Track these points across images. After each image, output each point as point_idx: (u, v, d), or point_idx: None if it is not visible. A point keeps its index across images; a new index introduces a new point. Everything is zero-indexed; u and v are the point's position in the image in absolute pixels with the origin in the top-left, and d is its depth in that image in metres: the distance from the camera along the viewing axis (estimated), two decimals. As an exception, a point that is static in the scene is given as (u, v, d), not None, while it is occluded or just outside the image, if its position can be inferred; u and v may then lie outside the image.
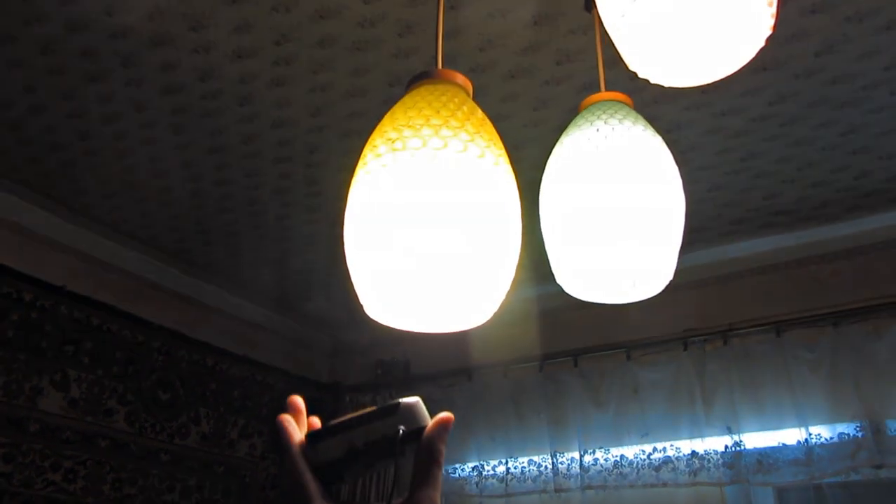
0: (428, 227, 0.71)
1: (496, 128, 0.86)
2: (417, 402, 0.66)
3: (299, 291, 2.90)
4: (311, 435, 0.65)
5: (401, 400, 0.65)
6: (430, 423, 0.65)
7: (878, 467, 2.04)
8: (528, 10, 1.55)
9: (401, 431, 0.63)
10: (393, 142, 0.75)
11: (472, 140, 0.75)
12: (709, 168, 2.09)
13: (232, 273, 2.76)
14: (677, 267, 0.93)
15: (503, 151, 0.82)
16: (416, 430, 0.64)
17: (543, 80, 1.76)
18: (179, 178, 2.18)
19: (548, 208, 0.92)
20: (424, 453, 0.64)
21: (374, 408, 0.66)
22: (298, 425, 0.66)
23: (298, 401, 0.67)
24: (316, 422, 0.68)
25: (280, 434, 0.64)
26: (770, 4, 0.73)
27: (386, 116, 0.81)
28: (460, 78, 0.87)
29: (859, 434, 2.06)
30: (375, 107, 1.85)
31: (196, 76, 1.76)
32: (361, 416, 0.65)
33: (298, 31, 1.62)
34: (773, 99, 1.80)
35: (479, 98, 0.91)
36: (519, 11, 1.56)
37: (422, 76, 0.86)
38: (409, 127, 0.75)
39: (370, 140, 0.79)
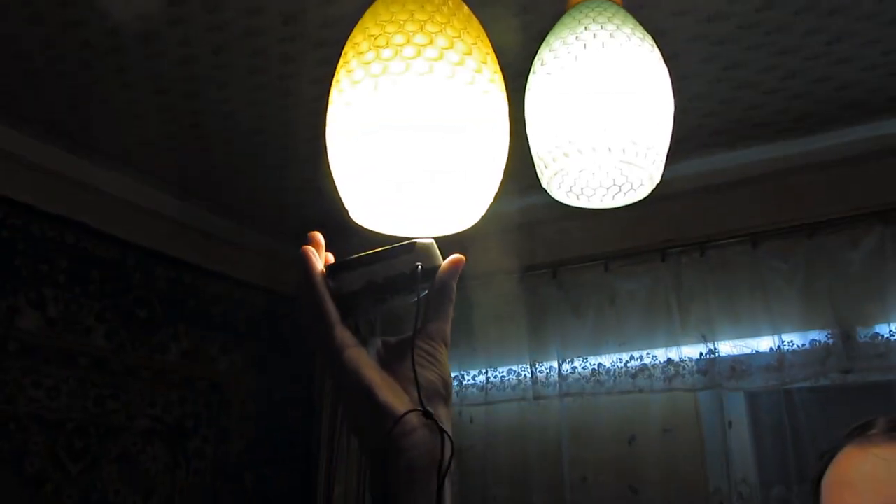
0: (412, 135, 0.69)
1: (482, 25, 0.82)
2: (432, 243, 0.67)
3: (278, 207, 2.87)
4: (331, 267, 0.66)
5: (416, 240, 0.66)
6: (443, 263, 0.67)
7: (846, 372, 2.10)
8: None
9: (419, 268, 0.65)
10: (373, 44, 0.72)
11: (452, 46, 0.72)
12: (691, 77, 2.06)
13: (207, 190, 2.71)
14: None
15: (490, 51, 0.79)
16: (432, 269, 0.66)
17: (525, -17, 1.69)
18: (148, 90, 2.10)
19: (533, 111, 0.90)
20: (438, 290, 0.67)
21: (389, 247, 0.67)
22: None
23: (318, 235, 0.67)
24: (331, 258, 0.69)
25: (303, 263, 0.65)
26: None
27: (367, 14, 0.77)
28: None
29: (830, 341, 2.11)
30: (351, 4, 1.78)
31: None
32: (378, 254, 0.66)
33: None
34: (760, 5, 1.76)
35: None
36: None
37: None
38: (389, 30, 0.72)
39: (350, 43, 0.76)
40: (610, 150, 0.84)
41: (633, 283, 2.40)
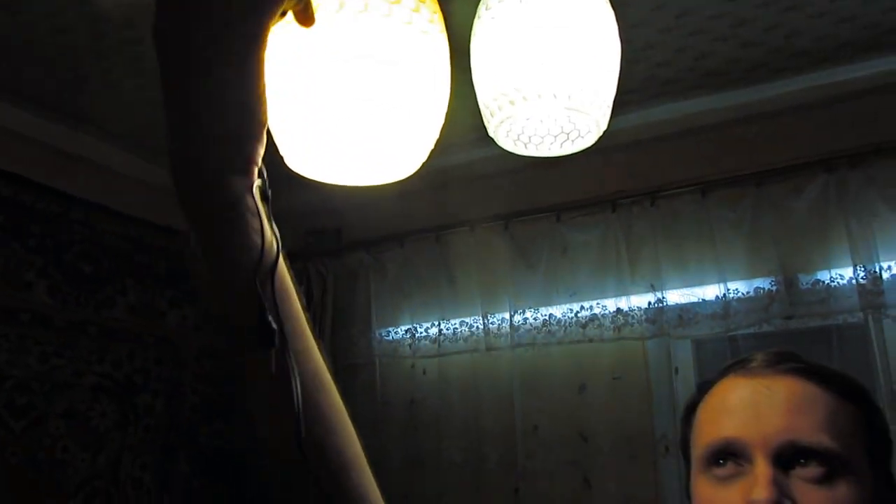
0: (352, 78, 0.66)
1: None
2: None
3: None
4: None
5: None
6: None
7: (789, 318, 2.16)
8: None
9: None
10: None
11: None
12: (641, 25, 2.04)
13: (148, 140, 2.62)
14: (607, 129, 0.91)
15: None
16: None
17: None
18: (82, 36, 2.01)
19: (479, 58, 0.88)
20: None
21: None
22: None
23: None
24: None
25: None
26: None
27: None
28: None
29: (773, 288, 2.16)
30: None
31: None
32: None
33: None
34: (709, -49, 1.75)
35: None
36: None
37: None
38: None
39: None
40: (555, 96, 0.82)
41: (585, 233, 2.41)
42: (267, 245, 0.56)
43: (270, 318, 0.55)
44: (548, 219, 2.48)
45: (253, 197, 0.55)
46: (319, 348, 0.64)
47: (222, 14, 0.48)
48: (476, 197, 2.64)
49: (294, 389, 0.57)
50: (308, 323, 0.64)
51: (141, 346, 2.61)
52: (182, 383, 2.73)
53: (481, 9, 0.91)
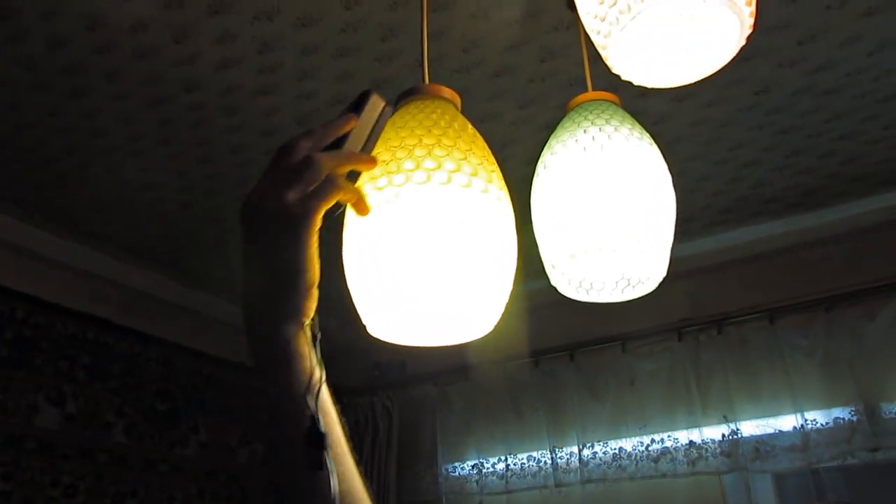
0: (426, 254, 0.71)
1: (483, 128, 0.86)
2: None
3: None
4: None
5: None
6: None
7: (874, 450, 2.05)
8: (511, 9, 1.55)
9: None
10: (387, 166, 0.75)
11: (464, 159, 0.75)
12: (696, 158, 2.10)
13: (225, 281, 2.75)
14: (670, 256, 0.94)
15: (495, 167, 0.82)
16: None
17: (528, 77, 1.76)
18: (170, 189, 2.17)
19: (540, 214, 0.93)
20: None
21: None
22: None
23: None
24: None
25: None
26: (749, 3, 0.73)
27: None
28: (447, 92, 0.87)
29: (854, 418, 2.07)
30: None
31: (181, 87, 1.75)
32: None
33: (282, 40, 1.62)
34: (757, 88, 1.81)
35: (466, 98, 0.91)
36: (502, 10, 1.56)
37: (409, 92, 0.86)
38: (402, 149, 0.75)
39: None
40: (615, 250, 0.86)
41: (652, 363, 2.38)
42: (313, 376, 0.67)
43: (319, 424, 0.65)
44: (613, 349, 2.46)
45: (303, 337, 0.66)
46: (360, 474, 0.71)
47: (283, 205, 0.65)
48: (540, 327, 2.65)
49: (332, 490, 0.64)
50: (350, 449, 0.71)
51: (211, 483, 2.63)
52: (249, 521, 2.72)
53: (539, 167, 0.97)
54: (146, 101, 1.79)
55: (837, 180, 2.23)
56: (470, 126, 0.84)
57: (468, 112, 0.90)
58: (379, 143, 0.80)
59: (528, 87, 1.79)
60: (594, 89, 1.06)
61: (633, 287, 0.96)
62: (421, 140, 0.77)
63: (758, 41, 1.63)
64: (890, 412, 2.06)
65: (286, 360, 0.65)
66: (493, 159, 0.82)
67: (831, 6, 1.56)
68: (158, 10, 1.52)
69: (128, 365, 2.50)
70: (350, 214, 0.78)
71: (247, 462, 2.78)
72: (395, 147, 0.77)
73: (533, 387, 2.55)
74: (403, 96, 0.86)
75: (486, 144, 0.83)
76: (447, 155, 0.75)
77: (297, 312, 0.65)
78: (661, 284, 0.98)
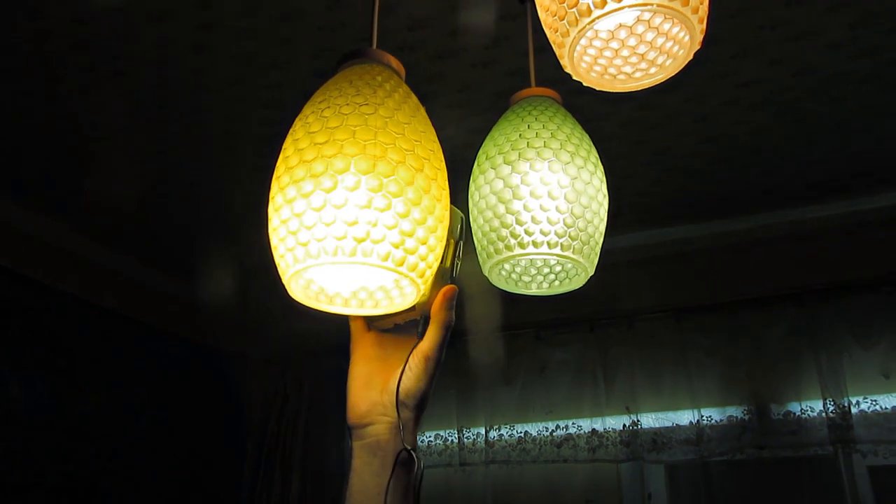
0: (355, 216, 0.71)
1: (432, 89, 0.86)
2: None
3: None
4: None
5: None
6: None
7: (761, 448, 2.18)
8: (461, -7, 1.55)
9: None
10: (312, 127, 0.74)
11: (403, 132, 0.75)
12: (624, 158, 2.15)
13: (134, 237, 2.66)
14: (592, 253, 0.97)
15: (436, 145, 0.82)
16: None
17: (470, 63, 1.76)
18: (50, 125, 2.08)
19: (476, 204, 0.94)
20: (427, 318, 0.81)
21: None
22: None
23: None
24: None
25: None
26: (701, 21, 0.76)
27: (315, 96, 0.79)
28: (394, 61, 0.86)
29: (745, 417, 2.20)
30: (299, 79, 1.81)
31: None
32: None
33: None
34: (688, 96, 1.87)
35: (406, 76, 0.91)
36: (451, -7, 1.55)
37: (353, 55, 0.85)
38: (334, 115, 0.74)
39: (299, 126, 0.78)
40: (549, 245, 0.88)
41: (563, 352, 2.45)
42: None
43: None
44: (526, 336, 2.52)
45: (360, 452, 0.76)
46: None
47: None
48: (459, 309, 2.68)
49: None
50: None
51: (111, 445, 2.56)
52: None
53: (481, 157, 0.98)
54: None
55: (753, 191, 2.34)
56: (413, 97, 0.83)
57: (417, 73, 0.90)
58: (309, 108, 0.79)
59: (469, 72, 1.79)
60: (537, 83, 1.08)
61: (560, 282, 0.99)
62: (366, 120, 0.76)
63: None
64: (778, 413, 2.19)
65: (354, 463, 0.75)
66: (433, 133, 0.82)
67: (764, 27, 1.62)
68: None
69: (26, 319, 2.39)
70: (276, 173, 0.77)
71: (148, 426, 2.71)
72: (323, 109, 0.76)
73: (445, 366, 2.57)
74: (348, 58, 0.85)
75: (427, 117, 0.83)
76: (385, 126, 0.74)
77: (350, 429, 0.78)
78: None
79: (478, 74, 1.80)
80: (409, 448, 0.74)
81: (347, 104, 0.74)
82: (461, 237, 0.85)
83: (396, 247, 0.71)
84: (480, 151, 0.97)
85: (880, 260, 2.28)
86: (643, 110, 1.93)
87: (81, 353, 2.53)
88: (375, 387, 0.79)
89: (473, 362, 2.55)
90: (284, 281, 0.76)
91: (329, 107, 0.76)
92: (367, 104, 0.74)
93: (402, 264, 0.72)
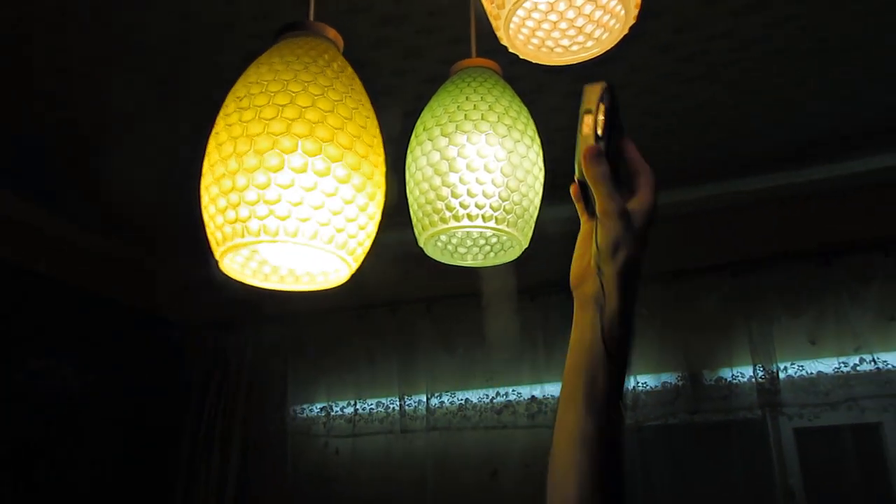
0: (286, 193, 0.70)
1: (363, 73, 0.85)
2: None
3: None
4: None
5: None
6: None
7: (693, 413, 2.25)
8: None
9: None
10: (251, 101, 0.73)
11: (339, 101, 0.74)
12: (566, 129, 2.16)
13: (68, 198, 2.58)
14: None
15: (371, 114, 0.81)
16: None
17: (415, 29, 1.74)
18: None
19: (413, 177, 0.93)
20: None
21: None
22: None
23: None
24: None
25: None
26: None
27: (250, 69, 0.78)
28: (332, 32, 0.85)
29: (679, 383, 2.26)
30: (241, 40, 1.76)
31: None
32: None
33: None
34: (633, 67, 1.89)
35: (349, 42, 0.89)
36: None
37: (291, 27, 0.83)
38: (281, 91, 0.73)
39: (232, 97, 0.76)
40: (484, 217, 0.88)
41: (505, 321, 2.48)
42: None
43: None
44: (469, 304, 2.53)
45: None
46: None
47: None
48: (401, 277, 2.68)
49: None
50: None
51: (43, 411, 2.50)
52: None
53: (419, 128, 0.97)
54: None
55: (692, 164, 2.38)
56: (349, 69, 0.82)
57: (349, 55, 0.89)
58: (248, 78, 0.77)
59: (414, 38, 1.77)
60: (478, 53, 1.07)
61: (496, 254, 0.99)
62: (291, 82, 0.74)
63: (635, 25, 1.69)
64: (710, 379, 2.26)
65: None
66: (370, 107, 0.81)
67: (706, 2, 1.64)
68: None
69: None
70: (209, 148, 0.76)
71: (84, 394, 2.65)
72: (263, 86, 0.75)
73: (388, 335, 2.58)
74: (285, 30, 0.84)
75: (362, 90, 0.82)
76: (312, 104, 0.72)
77: None
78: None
79: (423, 41, 1.78)
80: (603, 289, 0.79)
81: (277, 84, 0.73)
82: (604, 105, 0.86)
83: (323, 225, 0.71)
84: (419, 122, 0.97)
85: (810, 232, 2.35)
86: (585, 81, 1.93)
87: (15, 318, 2.46)
88: (585, 256, 0.84)
89: (416, 331, 2.56)
90: (217, 255, 0.75)
91: (260, 85, 0.75)
92: (295, 81, 0.73)
93: (342, 248, 0.72)
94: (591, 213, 0.85)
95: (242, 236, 0.69)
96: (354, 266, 0.77)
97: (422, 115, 0.98)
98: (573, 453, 0.73)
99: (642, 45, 1.79)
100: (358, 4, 1.65)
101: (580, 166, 0.82)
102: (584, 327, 0.81)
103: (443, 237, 0.98)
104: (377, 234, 0.79)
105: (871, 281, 2.24)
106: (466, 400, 2.43)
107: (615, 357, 0.76)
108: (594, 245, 0.81)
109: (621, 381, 0.76)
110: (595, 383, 0.75)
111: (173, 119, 2.09)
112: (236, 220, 0.70)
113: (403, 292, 2.62)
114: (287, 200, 0.69)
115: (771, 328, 2.26)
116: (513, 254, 0.98)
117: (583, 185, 0.85)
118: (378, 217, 0.79)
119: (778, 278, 2.31)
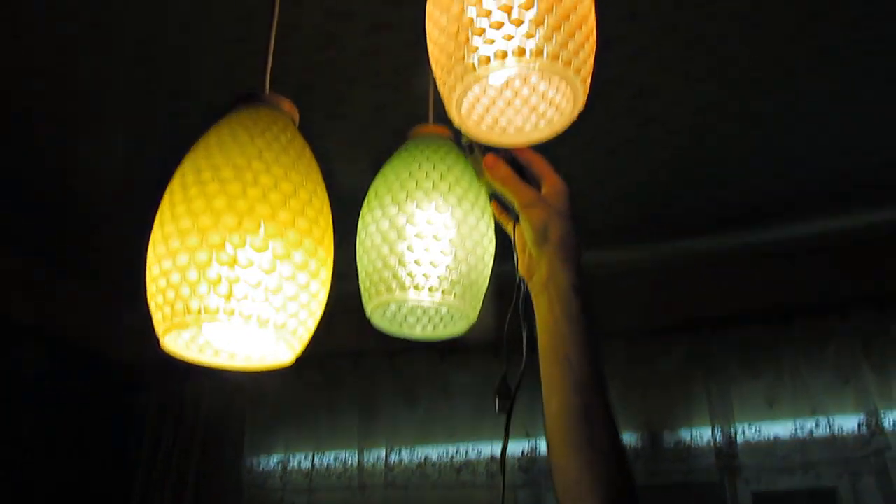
0: (225, 271, 0.69)
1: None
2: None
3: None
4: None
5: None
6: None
7: (652, 474, 2.24)
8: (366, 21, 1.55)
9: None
10: (202, 175, 0.72)
11: (293, 188, 0.74)
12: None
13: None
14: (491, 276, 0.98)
15: (319, 186, 0.81)
16: None
17: (373, 92, 1.76)
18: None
19: (362, 242, 0.93)
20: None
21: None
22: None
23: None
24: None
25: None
26: (584, 81, 0.77)
27: (199, 143, 0.77)
28: (287, 104, 0.85)
29: (639, 444, 2.25)
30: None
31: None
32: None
33: (122, 5, 1.51)
34: (595, 132, 1.92)
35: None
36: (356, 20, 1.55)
37: (246, 99, 0.83)
38: (226, 166, 0.73)
39: (183, 168, 0.76)
40: (431, 289, 0.87)
41: (467, 375, 2.46)
42: None
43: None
44: (431, 357, 2.52)
45: None
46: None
47: None
48: (363, 327, 2.65)
49: None
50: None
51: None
52: None
53: (371, 194, 0.96)
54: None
55: (652, 222, 2.40)
56: (299, 139, 0.82)
57: (307, 120, 0.89)
58: (196, 152, 0.77)
59: (373, 100, 1.79)
60: (436, 117, 1.07)
61: (446, 326, 0.99)
62: (250, 163, 0.74)
63: (596, 88, 1.72)
64: (670, 441, 2.26)
65: None
66: (318, 178, 0.81)
67: (665, 68, 1.68)
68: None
69: None
70: (158, 216, 0.75)
71: (30, 437, 2.57)
72: (219, 162, 0.74)
73: (349, 386, 2.55)
74: (239, 101, 0.84)
75: (313, 160, 0.82)
76: (254, 181, 0.72)
77: None
78: (484, 300, 1.01)
79: (381, 103, 1.79)
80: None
81: (222, 158, 0.73)
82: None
83: (278, 310, 0.70)
84: (371, 188, 0.96)
85: (768, 292, 2.38)
86: (549, 141, 1.96)
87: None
88: (525, 250, 0.91)
89: (377, 383, 2.54)
90: (158, 333, 0.74)
91: (217, 156, 0.74)
92: (241, 155, 0.73)
93: (282, 328, 0.71)
94: (515, 217, 0.91)
95: (182, 317, 0.69)
96: (298, 347, 0.77)
97: (374, 181, 0.98)
98: (567, 435, 0.74)
99: (599, 112, 1.82)
100: (322, 59, 1.66)
101: (487, 180, 0.91)
102: (544, 312, 0.86)
103: (391, 307, 0.97)
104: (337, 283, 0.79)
105: (827, 343, 2.26)
106: (426, 457, 2.39)
107: (581, 328, 0.80)
108: (526, 237, 0.88)
109: (595, 353, 0.81)
110: (569, 361, 0.80)
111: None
112: (177, 300, 0.70)
113: (366, 343, 2.60)
114: (226, 279, 0.68)
115: (729, 388, 2.27)
116: (461, 326, 0.98)
117: (496, 198, 0.92)
118: (322, 295, 0.78)
119: (736, 338, 2.33)
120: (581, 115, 0.82)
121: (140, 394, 2.76)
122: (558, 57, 0.73)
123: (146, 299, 0.74)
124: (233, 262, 0.69)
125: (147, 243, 0.75)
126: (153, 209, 0.77)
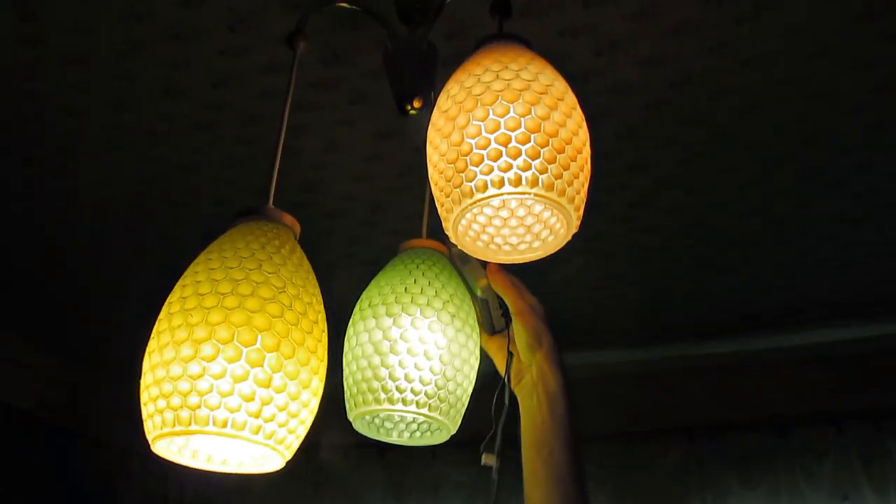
0: (217, 383, 0.71)
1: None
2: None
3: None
4: None
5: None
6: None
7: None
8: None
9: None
10: (201, 287, 0.75)
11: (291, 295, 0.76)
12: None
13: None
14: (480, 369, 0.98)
15: (315, 296, 0.83)
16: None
17: (369, 205, 1.81)
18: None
19: (352, 348, 0.94)
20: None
21: None
22: None
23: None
24: None
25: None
26: (577, 209, 0.80)
27: (200, 256, 0.80)
28: (288, 218, 0.87)
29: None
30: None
31: None
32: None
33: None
34: (587, 237, 1.95)
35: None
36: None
37: (249, 213, 0.86)
38: (224, 280, 0.75)
39: (184, 280, 0.78)
40: (418, 404, 0.88)
41: (458, 473, 2.42)
42: None
43: None
44: (423, 453, 2.48)
45: None
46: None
47: None
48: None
49: None
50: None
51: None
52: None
53: (364, 302, 0.98)
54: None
55: (645, 328, 2.42)
56: (298, 251, 0.85)
57: (310, 227, 0.91)
58: (196, 265, 0.79)
59: (368, 213, 1.84)
60: (430, 234, 1.09)
61: (423, 435, 1.00)
62: (248, 276, 0.77)
63: (595, 197, 1.77)
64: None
65: None
66: (314, 289, 0.83)
67: (659, 180, 1.73)
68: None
69: None
70: (158, 328, 0.76)
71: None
72: (218, 276, 0.76)
73: (339, 479, 2.51)
74: (240, 215, 0.86)
75: (310, 270, 0.84)
76: (252, 293, 0.75)
77: None
78: (472, 400, 1.02)
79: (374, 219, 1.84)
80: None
81: (232, 271, 0.75)
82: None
83: (268, 420, 0.71)
84: (364, 295, 0.98)
85: (764, 401, 2.37)
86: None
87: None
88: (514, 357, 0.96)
89: (368, 478, 2.49)
90: (149, 438, 0.75)
91: (217, 269, 0.77)
92: (240, 268, 0.75)
93: (270, 437, 0.72)
94: (507, 322, 0.97)
95: (172, 426, 0.70)
96: (288, 455, 0.77)
97: (368, 289, 0.99)
98: None
99: (600, 216, 1.86)
100: (314, 178, 1.71)
101: (482, 286, 0.97)
102: (532, 411, 0.91)
103: (374, 417, 0.98)
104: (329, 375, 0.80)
105: (824, 457, 2.23)
106: (413, 561, 2.33)
107: (566, 427, 0.86)
108: (518, 343, 0.94)
109: (577, 451, 0.87)
110: (553, 456, 0.86)
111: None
112: (167, 409, 0.71)
113: (355, 436, 2.56)
114: (217, 391, 0.70)
115: (726, 501, 2.23)
116: (439, 437, 1.00)
117: (483, 304, 0.98)
118: (314, 403, 0.79)
119: (733, 448, 2.30)
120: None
121: (120, 476, 2.70)
122: (553, 187, 0.76)
123: (138, 396, 0.76)
124: (223, 375, 0.70)
125: (141, 340, 0.77)
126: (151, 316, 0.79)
